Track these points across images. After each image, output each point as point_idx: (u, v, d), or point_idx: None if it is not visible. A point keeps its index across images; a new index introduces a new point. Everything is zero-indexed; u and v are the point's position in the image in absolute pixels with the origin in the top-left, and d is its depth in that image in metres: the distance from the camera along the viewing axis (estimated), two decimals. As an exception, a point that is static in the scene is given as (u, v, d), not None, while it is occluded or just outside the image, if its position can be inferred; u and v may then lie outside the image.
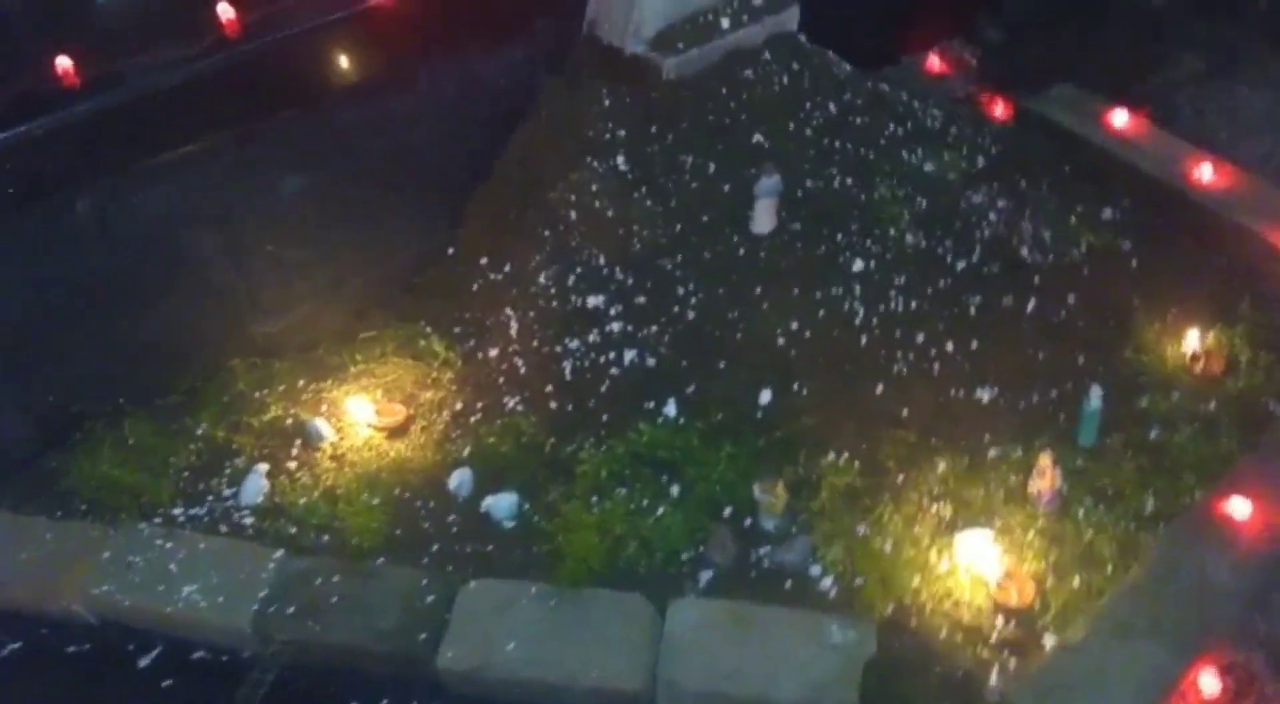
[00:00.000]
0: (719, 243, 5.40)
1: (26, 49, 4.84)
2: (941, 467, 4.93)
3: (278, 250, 5.57)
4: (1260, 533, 4.60)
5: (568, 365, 5.36)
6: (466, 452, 5.22)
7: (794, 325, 5.21)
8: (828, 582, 4.52)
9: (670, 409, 5.12)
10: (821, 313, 5.26)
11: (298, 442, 5.34)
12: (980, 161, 6.33)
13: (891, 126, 6.06)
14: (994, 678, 4.27)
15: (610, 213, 5.52)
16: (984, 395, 5.22)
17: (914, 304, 5.37)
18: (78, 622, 4.84)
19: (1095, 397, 5.00)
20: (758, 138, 5.64)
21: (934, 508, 4.80)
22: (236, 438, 5.35)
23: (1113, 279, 5.74)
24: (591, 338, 5.37)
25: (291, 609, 4.55)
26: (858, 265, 5.41)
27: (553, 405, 5.29)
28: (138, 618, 4.74)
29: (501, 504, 4.92)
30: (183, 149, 5.10)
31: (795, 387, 5.09)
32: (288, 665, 4.51)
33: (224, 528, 4.98)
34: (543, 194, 5.76)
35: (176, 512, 5.07)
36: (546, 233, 5.67)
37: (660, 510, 4.76)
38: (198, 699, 4.66)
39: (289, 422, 5.45)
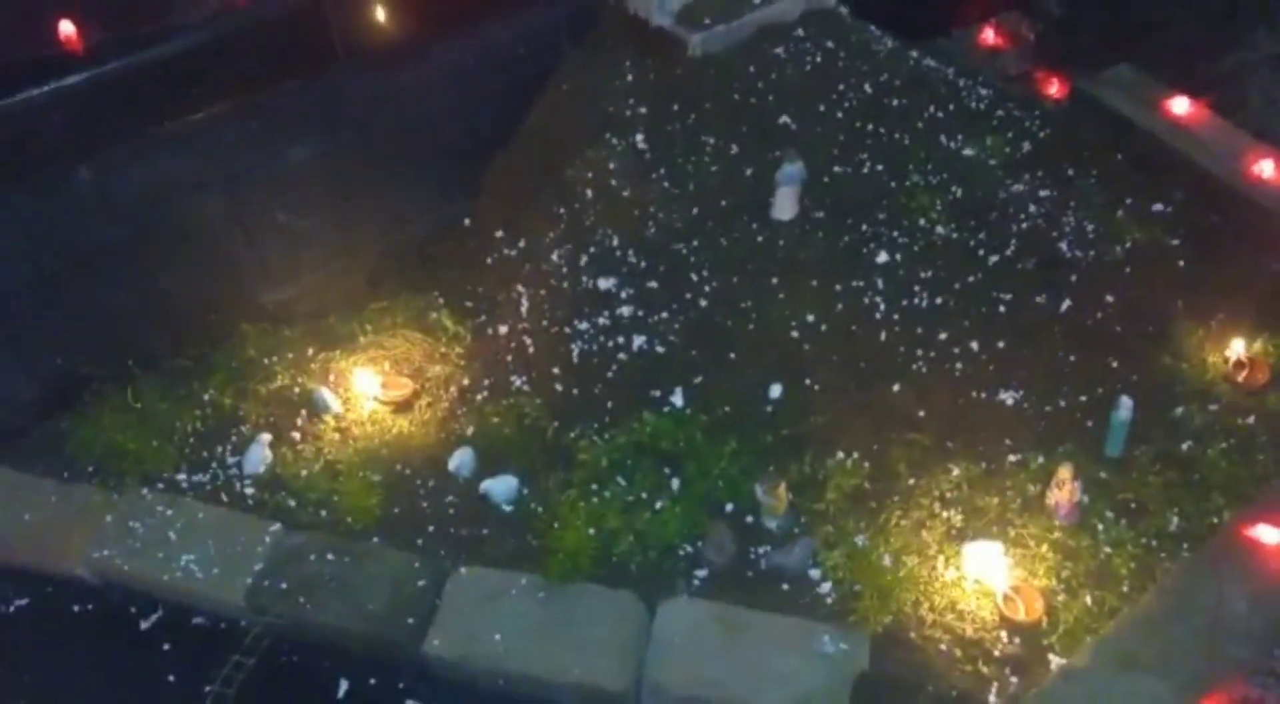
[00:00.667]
0: (737, 229, 5.20)
1: (29, 13, 4.76)
2: (955, 472, 4.73)
3: (289, 218, 5.49)
4: (1288, 562, 4.36)
5: (576, 348, 5.23)
6: (470, 431, 5.15)
7: (810, 318, 5.02)
8: (826, 587, 4.38)
9: (677, 399, 4.98)
10: (840, 306, 5.05)
11: (303, 411, 5.31)
12: (1026, 147, 6.02)
13: (931, 109, 5.77)
14: (992, 697, 4.12)
15: (626, 193, 5.35)
16: (1007, 399, 4.99)
17: (939, 300, 5.13)
18: (82, 582, 4.90)
19: (1125, 408, 4.75)
20: (784, 119, 5.40)
21: (945, 514, 4.62)
22: (243, 405, 5.34)
23: (1156, 279, 5.43)
24: (601, 321, 5.23)
25: (284, 585, 4.55)
26: (882, 257, 5.18)
27: (558, 388, 5.18)
28: (138, 583, 4.78)
29: (500, 488, 4.85)
30: (190, 116, 5.01)
31: (807, 382, 4.91)
32: (279, 639, 4.53)
33: (225, 497, 4.98)
34: (560, 169, 5.60)
35: (180, 477, 5.09)
36: (561, 210, 5.52)
37: (659, 504, 4.65)
38: (196, 664, 4.68)
39: (296, 391, 5.41)
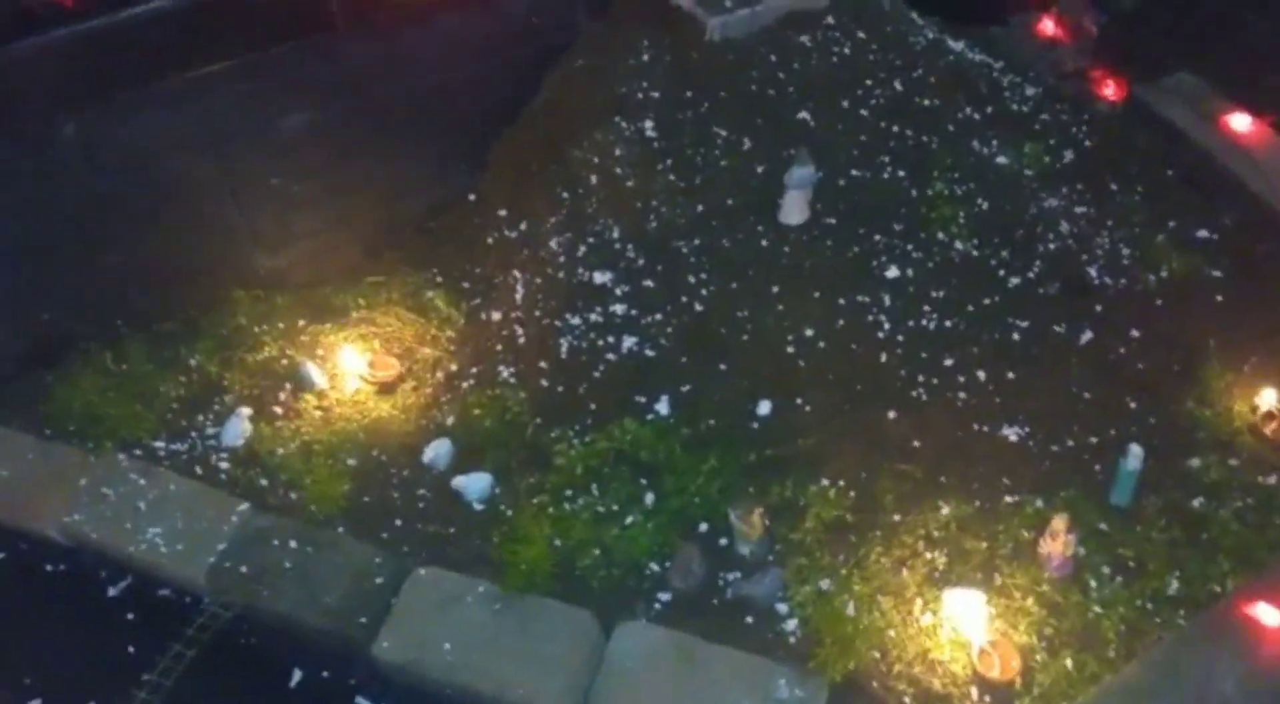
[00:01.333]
0: (741, 230, 4.94)
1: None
2: (945, 510, 4.48)
3: (282, 183, 5.34)
4: (1285, 647, 4.07)
5: (565, 343, 5.04)
6: (450, 421, 5.01)
7: (808, 332, 4.76)
8: (793, 624, 4.20)
9: (662, 406, 4.78)
10: (841, 322, 4.78)
11: (287, 385, 5.20)
12: (1068, 156, 5.65)
13: (967, 110, 5.40)
14: (951, 760, 3.94)
15: (630, 183, 5.10)
16: (1011, 434, 4.71)
17: (949, 322, 4.84)
18: (55, 542, 4.90)
19: (1135, 457, 4.45)
20: (803, 115, 5.08)
21: (929, 555, 4.39)
22: (228, 374, 5.25)
23: (1189, 314, 5.07)
24: (593, 317, 5.02)
25: (245, 568, 4.48)
26: (892, 272, 4.88)
27: (543, 383, 5.01)
28: (106, 550, 4.76)
29: (474, 485, 4.72)
30: (182, 75, 4.86)
31: (798, 401, 4.68)
32: (238, 620, 4.48)
33: (200, 469, 4.91)
34: (566, 150, 5.36)
35: (158, 445, 5.02)
36: (565, 194, 5.29)
37: (630, 519, 4.48)
38: (158, 636, 4.67)
39: (283, 362, 5.30)
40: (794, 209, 4.88)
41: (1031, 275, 5.04)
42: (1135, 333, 4.98)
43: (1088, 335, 4.93)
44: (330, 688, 4.37)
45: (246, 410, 5.07)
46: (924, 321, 4.82)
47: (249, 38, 5.05)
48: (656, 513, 4.51)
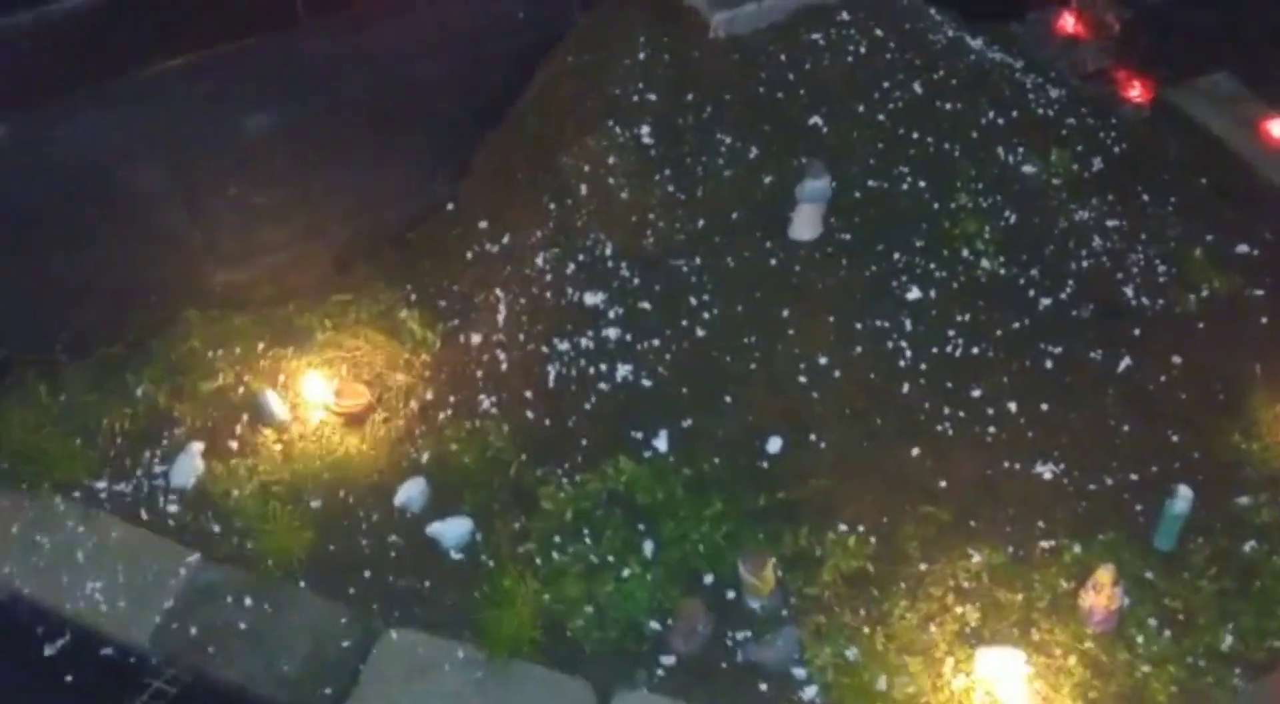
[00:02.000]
0: (747, 247, 4.49)
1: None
2: (976, 558, 4.05)
3: (243, 192, 4.84)
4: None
5: (553, 370, 4.57)
6: (425, 458, 4.53)
7: (822, 360, 4.32)
8: (811, 691, 3.76)
9: (660, 443, 4.32)
10: (858, 349, 4.34)
11: (244, 417, 4.69)
12: (1097, 164, 5.21)
13: (990, 114, 4.97)
14: None
15: (625, 194, 4.64)
16: (1045, 472, 4.28)
17: (976, 349, 4.40)
18: (-16, 596, 4.40)
19: (1183, 499, 4.03)
20: (815, 120, 4.64)
21: (959, 609, 3.96)
22: (179, 405, 4.74)
23: (1232, 339, 4.66)
24: (584, 342, 4.55)
25: (194, 630, 4.00)
26: (914, 293, 4.44)
27: (529, 415, 4.54)
28: (40, 605, 4.26)
29: (451, 532, 4.24)
30: (130, 73, 4.35)
31: (812, 437, 4.23)
32: (185, 689, 3.99)
33: (145, 513, 4.41)
34: (554, 156, 4.89)
35: (100, 485, 4.51)
36: (552, 205, 4.82)
37: (626, 571, 4.02)
38: (101, 701, 4.20)
39: (240, 391, 4.80)
40: (806, 224, 4.43)
41: (1064, 296, 4.61)
42: (1176, 359, 4.57)
43: (1126, 362, 4.51)
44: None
45: (198, 446, 4.57)
46: (949, 348, 4.38)
47: (204, 31, 4.54)
48: (655, 563, 4.06)
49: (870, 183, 4.60)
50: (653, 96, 4.71)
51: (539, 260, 4.79)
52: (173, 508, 4.44)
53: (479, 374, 4.75)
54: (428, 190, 5.30)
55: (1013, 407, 4.35)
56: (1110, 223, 4.99)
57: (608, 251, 4.62)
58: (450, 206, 5.29)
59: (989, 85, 5.08)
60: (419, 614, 4.02)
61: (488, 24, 4.95)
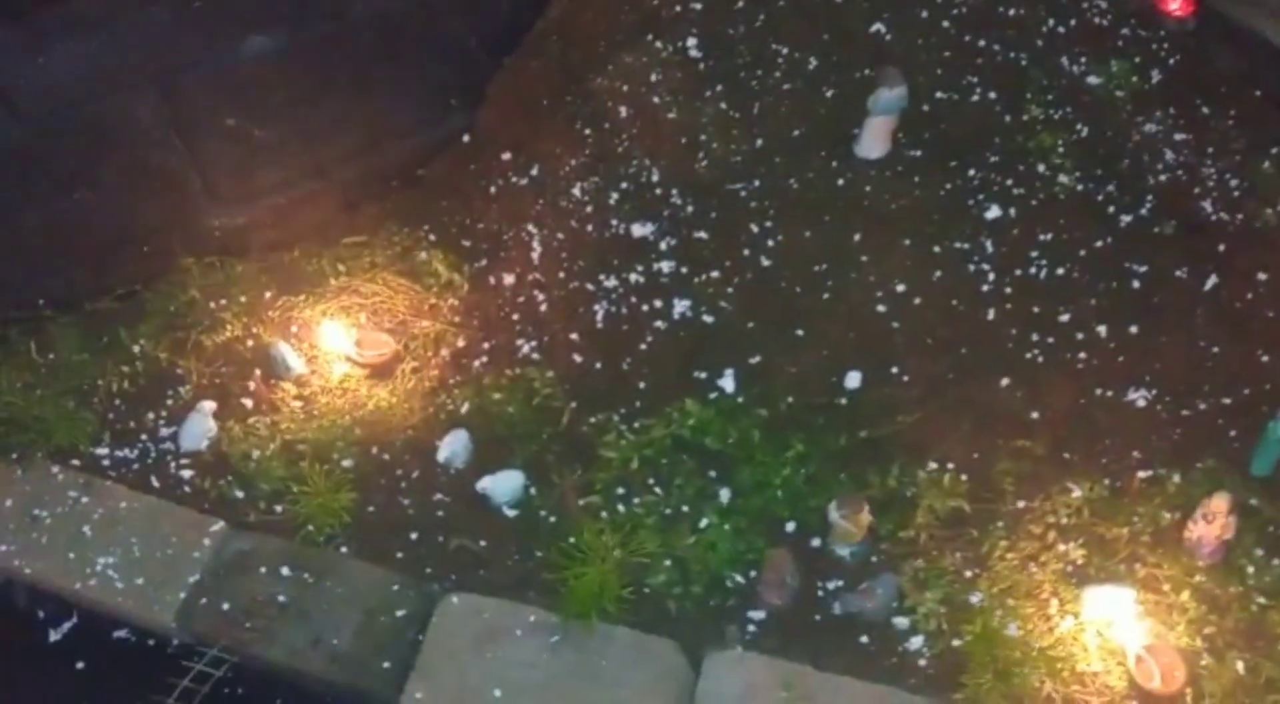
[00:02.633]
0: (811, 168, 4.12)
1: None
2: (1075, 493, 3.77)
3: (241, 125, 4.34)
4: None
5: (600, 309, 4.19)
6: (465, 409, 4.13)
7: (900, 287, 3.98)
8: (917, 641, 3.45)
9: (727, 383, 3.97)
10: (938, 273, 4.01)
11: (257, 372, 4.26)
12: (1155, 76, 4.89)
13: (1050, 22, 4.61)
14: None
15: (672, 114, 4.23)
16: (1137, 398, 4.00)
17: (1061, 270, 4.09)
18: (-25, 579, 3.94)
19: (1286, 423, 3.79)
20: (878, 27, 4.26)
21: (1061, 547, 3.68)
22: (182, 361, 4.28)
23: (1317, 253, 4.41)
24: (634, 277, 4.17)
25: (226, 605, 3.58)
26: (993, 211, 4.11)
27: (576, 359, 4.16)
28: (43, 586, 3.82)
29: (502, 487, 3.86)
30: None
31: (893, 370, 3.91)
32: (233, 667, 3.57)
33: (156, 481, 3.98)
34: (587, 78, 4.46)
35: (101, 453, 4.06)
36: (587, 131, 4.40)
37: (704, 522, 3.68)
38: (117, 689, 3.79)
39: (249, 343, 4.35)
40: (876, 140, 4.07)
41: (1144, 213, 4.30)
42: (1261, 276, 4.29)
43: (1212, 280, 4.22)
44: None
45: (209, 405, 4.12)
46: (1032, 270, 4.07)
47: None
48: (734, 513, 3.72)
49: (939, 94, 4.24)
50: (697, 5, 4.29)
51: (576, 191, 4.38)
52: (186, 473, 4.00)
53: (515, 317, 4.35)
54: (441, 122, 4.84)
55: (1102, 331, 4.05)
56: (1178, 136, 4.68)
57: (654, 178, 4.23)
58: (466, 139, 4.84)
59: (1045, -10, 4.73)
60: (478, 576, 3.64)
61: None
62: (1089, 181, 4.32)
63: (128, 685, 3.73)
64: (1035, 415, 3.90)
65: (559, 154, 4.46)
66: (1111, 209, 4.30)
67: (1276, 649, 3.51)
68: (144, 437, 4.11)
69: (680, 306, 4.09)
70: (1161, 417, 4.00)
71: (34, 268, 4.27)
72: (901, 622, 3.50)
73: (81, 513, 3.86)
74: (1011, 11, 4.50)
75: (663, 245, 4.15)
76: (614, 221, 4.23)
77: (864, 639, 3.47)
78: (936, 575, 3.57)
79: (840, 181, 4.09)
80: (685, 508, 3.72)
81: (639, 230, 4.18)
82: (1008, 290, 4.02)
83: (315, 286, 4.51)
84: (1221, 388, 4.07)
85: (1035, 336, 3.98)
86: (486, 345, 4.32)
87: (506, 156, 4.66)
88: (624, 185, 4.24)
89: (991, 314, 3.99)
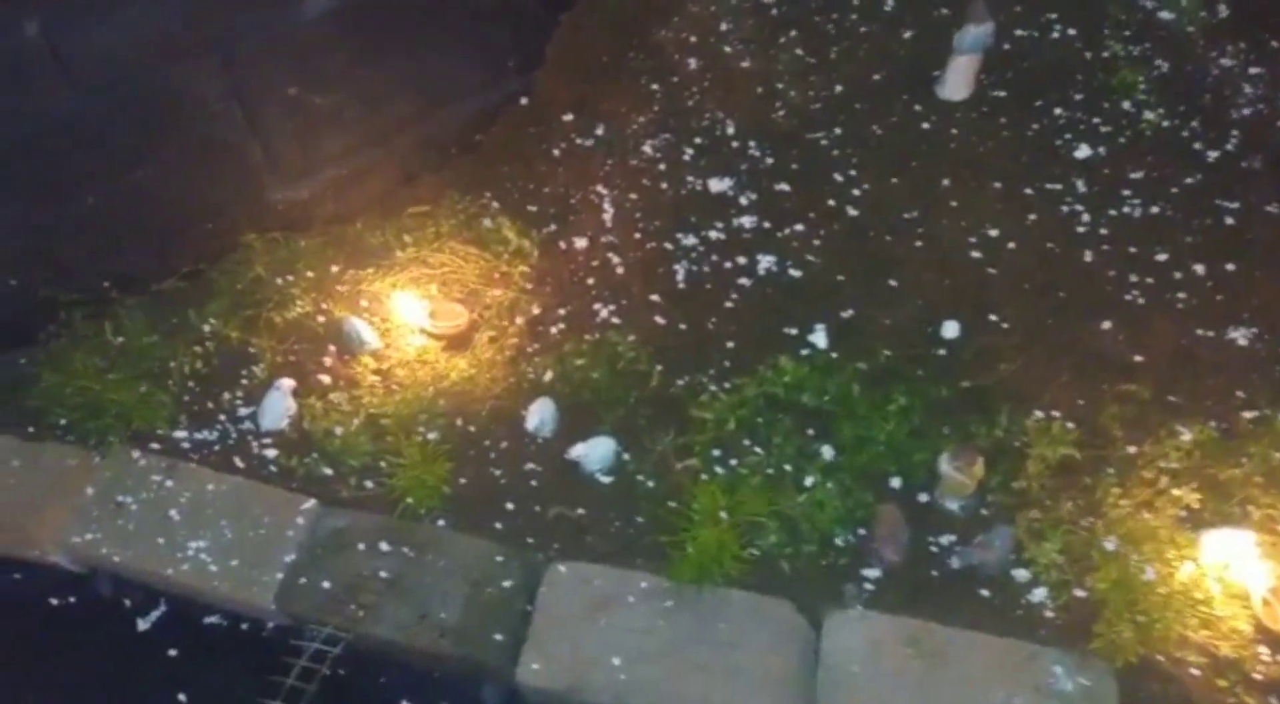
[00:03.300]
0: (893, 112, 4.01)
1: None
2: (1185, 435, 3.68)
3: (302, 93, 4.21)
4: None
5: (680, 269, 4.09)
6: (548, 376, 4.03)
7: (993, 232, 3.88)
8: (1040, 594, 3.37)
9: (818, 338, 3.87)
10: (1031, 216, 3.91)
11: (331, 347, 4.16)
12: (1222, 9, 4.79)
13: (1122, -45, 4.50)
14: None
15: (745, 63, 4.12)
16: (1239, 337, 3.90)
17: (1155, 208, 3.99)
18: (59, 568, 3.85)
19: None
20: (957, -36, 4.14)
21: (1175, 491, 3.59)
22: (254, 339, 4.18)
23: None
24: (713, 234, 4.07)
25: (327, 584, 3.50)
26: (1082, 151, 4.01)
27: (659, 321, 4.06)
28: (132, 574, 3.73)
29: (595, 454, 3.76)
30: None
31: (991, 317, 3.81)
32: (318, 653, 3.50)
33: (239, 461, 3.88)
34: (650, 32, 4.36)
35: (179, 434, 3.97)
36: (655, 86, 4.29)
37: (809, 480, 3.59)
38: (212, 676, 3.72)
39: (320, 320, 4.25)
40: (960, 80, 3.96)
41: (1230, 148, 4.21)
42: (1353, 208, 4.20)
43: (1305, 213, 4.13)
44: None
45: (288, 382, 4.02)
46: (1126, 209, 3.97)
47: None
48: (837, 470, 3.63)
49: (1018, 32, 4.14)
50: (767, -50, 4.18)
51: (646, 149, 4.27)
52: (270, 453, 3.91)
53: (590, 281, 4.25)
54: (499, 85, 4.71)
55: (1199, 269, 3.96)
56: (1252, 70, 4.58)
57: (730, 130, 4.12)
58: (524, 102, 4.72)
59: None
60: (581, 544, 3.56)
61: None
62: (1173, 118, 4.22)
63: (227, 670, 3.68)
64: (1138, 358, 3.81)
65: (625, 112, 4.35)
66: (1198, 145, 4.20)
67: (1399, 586, 3.44)
68: (222, 417, 4.02)
69: (765, 262, 3.99)
70: (1262, 355, 3.90)
71: (96, 248, 4.14)
72: (1021, 574, 3.41)
73: (167, 497, 3.76)
74: (1087, -55, 4.39)
75: (743, 200, 4.04)
76: (689, 178, 4.12)
77: (984, 593, 3.39)
78: (1053, 525, 3.48)
79: (925, 125, 3.98)
80: (788, 467, 3.63)
81: (717, 185, 4.07)
82: (1103, 231, 3.92)
83: (382, 259, 4.41)
84: (1320, 323, 3.99)
85: (1134, 277, 3.89)
86: (563, 311, 4.22)
87: (569, 118, 4.55)
88: (698, 140, 4.13)
89: (1089, 256, 3.89)
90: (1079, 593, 3.36)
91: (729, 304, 3.99)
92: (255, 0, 3.89)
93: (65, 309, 4.14)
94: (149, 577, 3.69)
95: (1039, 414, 3.68)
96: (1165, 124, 4.17)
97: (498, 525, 3.65)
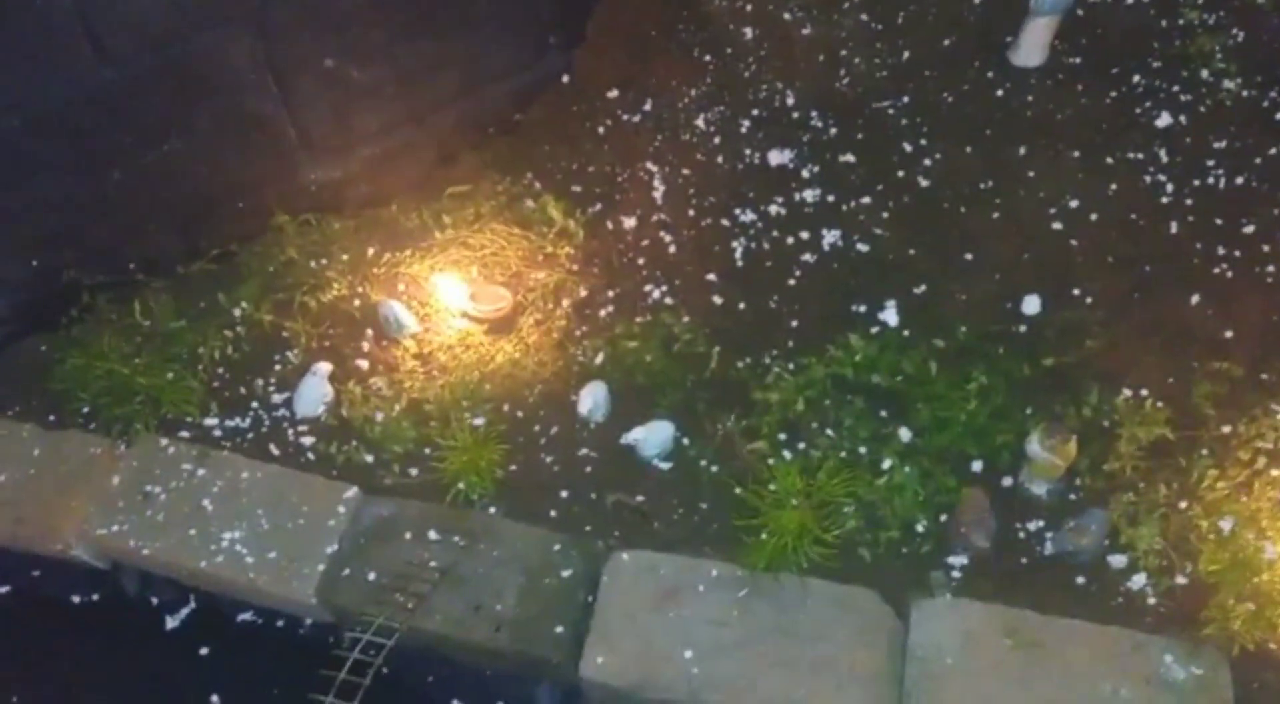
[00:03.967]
0: (964, 79, 3.82)
1: None
2: (1280, 415, 3.47)
3: (339, 66, 4.02)
4: None
5: (739, 246, 3.88)
6: (599, 360, 3.81)
7: (1073, 203, 3.68)
8: (1139, 580, 3.14)
9: (889, 316, 3.66)
10: (1113, 186, 3.70)
11: (369, 332, 3.95)
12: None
13: (1191, -78, 4.33)
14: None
15: (806, 30, 3.93)
16: (1331, 313, 3.71)
17: (1240, 179, 3.79)
18: (82, 563, 3.63)
19: None
20: (1028, -75, 3.95)
21: (1274, 472, 3.37)
22: (288, 323, 3.97)
23: None
24: (774, 209, 3.86)
25: (372, 575, 3.27)
26: (1163, 119, 3.81)
27: (716, 301, 3.85)
28: (162, 569, 3.51)
29: (653, 438, 3.53)
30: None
31: (1074, 292, 3.60)
32: (368, 647, 3.25)
33: (275, 449, 3.67)
34: (699, 2, 4.16)
35: (210, 422, 3.75)
36: (707, 58, 4.10)
37: (886, 463, 3.37)
38: (246, 673, 3.50)
39: (356, 303, 4.04)
40: (1035, 45, 3.77)
41: (1312, 117, 4.02)
42: None
43: (1390, 185, 3.93)
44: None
45: (325, 366, 3.80)
46: (1210, 179, 3.76)
47: None
48: (915, 452, 3.40)
49: (1092, -2, 3.95)
50: (826, -87, 4.00)
51: (699, 123, 4.08)
52: (307, 440, 3.69)
53: (640, 261, 4.04)
54: (539, 62, 4.51)
55: (1288, 241, 3.76)
56: (1326, 41, 4.41)
57: (790, 101, 3.92)
58: (566, 79, 4.53)
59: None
60: (644, 533, 3.33)
61: None
62: (1252, 88, 4.02)
63: (262, 670, 3.47)
64: (1229, 334, 3.58)
65: (675, 86, 4.16)
66: (1278, 116, 4.00)
67: None
68: (255, 404, 3.80)
69: (830, 237, 3.78)
70: (1356, 331, 3.71)
71: (122, 228, 3.94)
72: (1118, 560, 3.18)
73: (199, 486, 3.54)
74: (1157, -91, 4.21)
75: (804, 173, 3.85)
76: (747, 151, 3.93)
77: (1080, 580, 3.16)
78: (1148, 509, 3.25)
79: (998, 92, 3.79)
80: (862, 450, 3.41)
81: (776, 158, 3.88)
82: (1188, 202, 3.72)
83: (420, 241, 4.20)
84: None
85: (1221, 250, 3.68)
86: (611, 293, 4.00)
87: (613, 94, 4.36)
88: (755, 112, 3.94)
89: (1174, 228, 3.68)
90: (1180, 580, 3.13)
91: (791, 282, 3.78)
92: (292, -35, 3.71)
93: (89, 292, 3.94)
94: (179, 571, 3.47)
95: (1128, 393, 3.46)
96: (1245, 94, 3.97)
97: (552, 513, 3.42)
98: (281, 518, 3.43)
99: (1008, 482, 3.38)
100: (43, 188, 3.75)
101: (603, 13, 4.49)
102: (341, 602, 3.24)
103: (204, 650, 3.55)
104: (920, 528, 3.27)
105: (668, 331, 3.81)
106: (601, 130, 4.34)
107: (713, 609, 3.06)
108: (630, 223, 4.11)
